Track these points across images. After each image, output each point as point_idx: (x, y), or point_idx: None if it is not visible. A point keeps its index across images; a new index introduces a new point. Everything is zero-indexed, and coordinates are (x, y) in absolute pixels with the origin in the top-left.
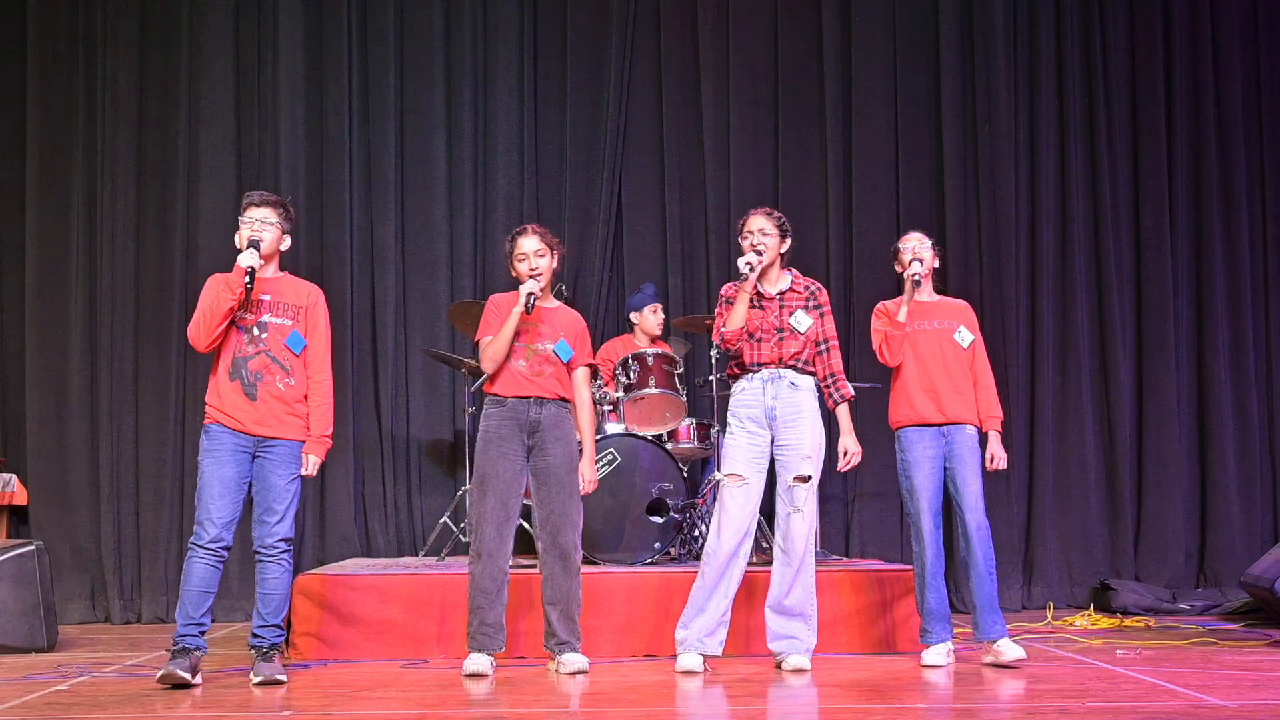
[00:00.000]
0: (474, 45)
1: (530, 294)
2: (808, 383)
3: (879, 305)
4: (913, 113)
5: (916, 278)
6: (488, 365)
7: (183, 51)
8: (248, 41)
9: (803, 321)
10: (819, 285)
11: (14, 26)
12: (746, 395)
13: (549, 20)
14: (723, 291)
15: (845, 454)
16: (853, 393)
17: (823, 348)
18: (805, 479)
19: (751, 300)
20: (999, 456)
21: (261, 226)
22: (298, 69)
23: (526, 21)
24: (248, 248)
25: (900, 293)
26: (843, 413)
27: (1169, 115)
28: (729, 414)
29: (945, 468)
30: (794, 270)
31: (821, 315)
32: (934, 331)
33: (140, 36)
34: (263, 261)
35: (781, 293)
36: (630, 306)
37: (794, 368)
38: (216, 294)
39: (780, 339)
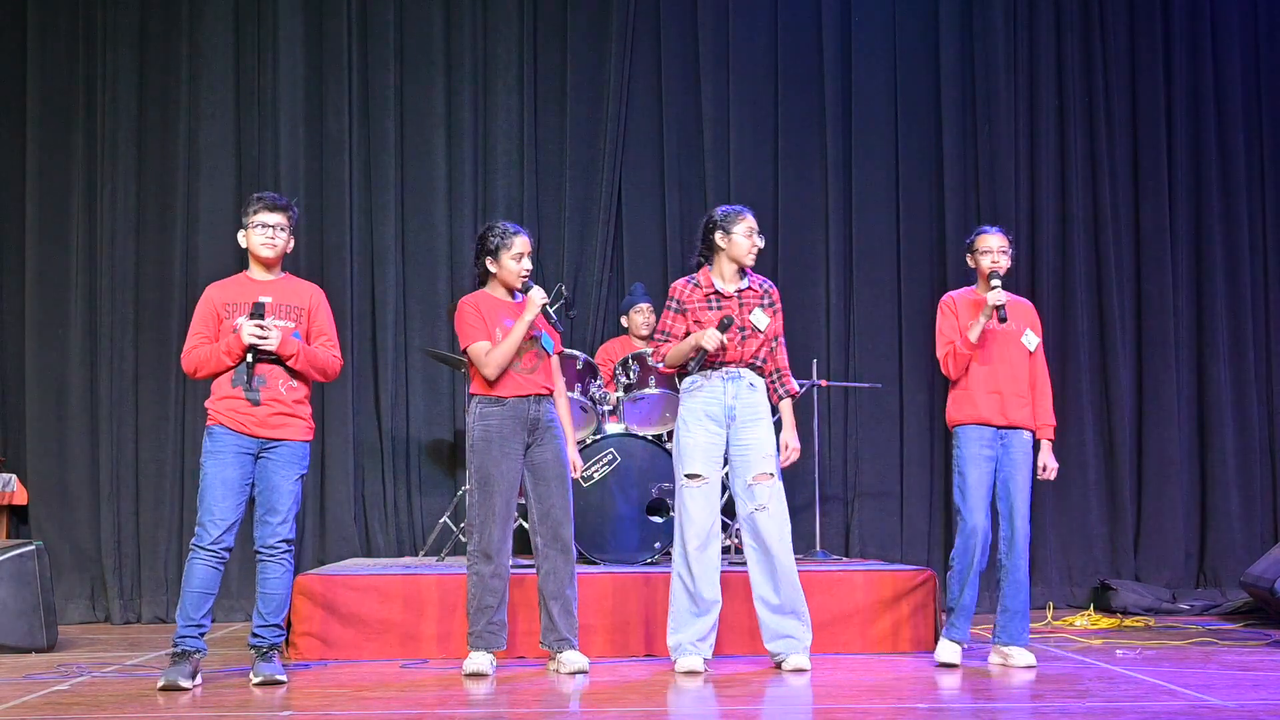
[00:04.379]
0: (474, 45)
1: (545, 304)
2: (761, 383)
3: (946, 299)
4: (913, 113)
5: (1003, 312)
6: (491, 372)
7: (183, 51)
8: (248, 41)
9: (761, 320)
10: (772, 284)
11: (14, 26)
12: (705, 392)
13: (549, 20)
14: (672, 292)
15: (786, 448)
16: (798, 389)
17: (773, 344)
18: (768, 475)
19: (709, 300)
20: (1051, 467)
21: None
22: (298, 69)
23: (526, 21)
24: (249, 334)
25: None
26: (786, 408)
27: (1169, 115)
28: (682, 409)
29: (997, 471)
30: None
31: (775, 313)
32: (1004, 333)
33: (140, 36)
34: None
35: (740, 290)
36: (620, 309)
37: (752, 367)
38: (215, 355)
39: (743, 338)
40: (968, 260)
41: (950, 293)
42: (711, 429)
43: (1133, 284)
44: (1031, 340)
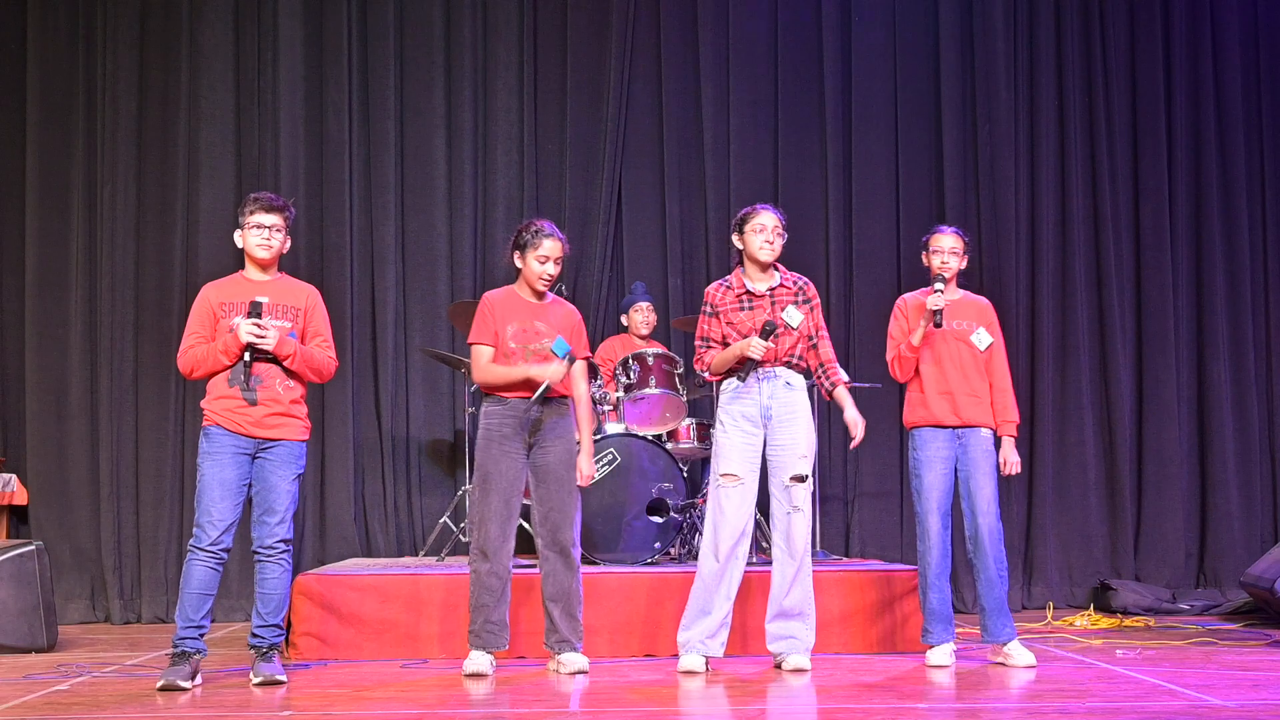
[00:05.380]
0: (474, 45)
1: (550, 381)
2: (801, 382)
3: (900, 302)
4: (913, 113)
5: (938, 317)
6: (478, 379)
7: (183, 51)
8: (248, 41)
9: (794, 317)
10: (806, 280)
11: (14, 26)
12: (741, 393)
13: (549, 20)
14: (707, 296)
15: (854, 425)
16: (845, 378)
17: (814, 340)
18: (802, 479)
19: (740, 301)
20: (1012, 461)
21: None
22: (298, 69)
23: (526, 21)
24: (247, 333)
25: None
26: (841, 393)
27: (1169, 115)
28: (720, 411)
29: (957, 471)
30: (780, 265)
31: (811, 309)
32: (952, 332)
33: (140, 36)
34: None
35: (771, 289)
36: (620, 308)
37: (788, 365)
38: (212, 354)
39: (776, 337)
40: (923, 259)
41: (905, 295)
42: (748, 430)
43: (1133, 284)
44: (983, 339)
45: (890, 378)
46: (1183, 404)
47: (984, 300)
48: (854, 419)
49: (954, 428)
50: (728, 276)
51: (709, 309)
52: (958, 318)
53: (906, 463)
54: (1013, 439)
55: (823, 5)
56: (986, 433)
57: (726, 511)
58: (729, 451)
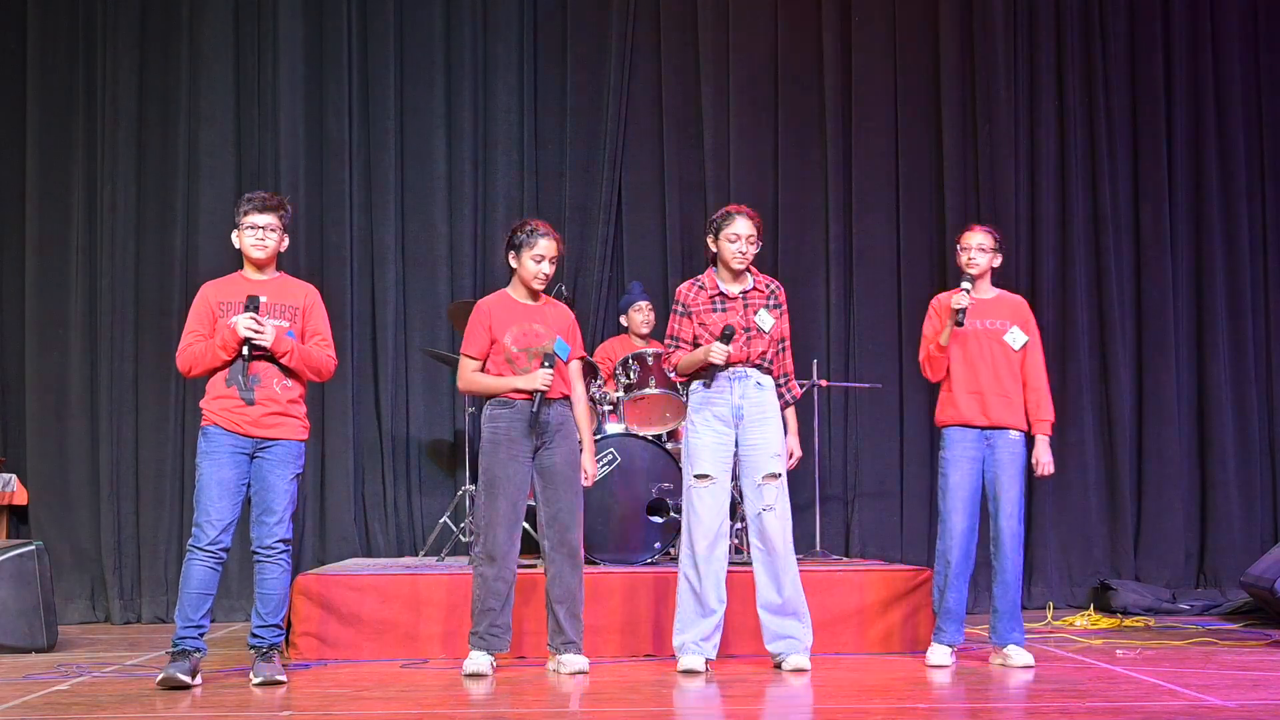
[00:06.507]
0: (474, 45)
1: (541, 387)
2: (770, 382)
3: (934, 301)
4: (913, 113)
5: (960, 316)
6: (464, 389)
7: (183, 51)
8: (248, 41)
9: (766, 321)
10: (778, 284)
11: (14, 26)
12: (712, 393)
13: (549, 20)
14: (678, 295)
15: (790, 456)
16: (800, 393)
17: (780, 347)
18: (775, 476)
19: (714, 302)
20: (1044, 462)
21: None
22: (298, 69)
23: (526, 21)
24: (244, 327)
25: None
26: (790, 414)
27: (1169, 115)
28: (691, 412)
29: (984, 472)
30: (753, 267)
31: (781, 314)
32: (985, 331)
33: (140, 36)
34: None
35: (745, 291)
36: (619, 308)
37: (759, 367)
38: (210, 351)
39: (748, 339)
40: (955, 257)
41: (940, 294)
42: (719, 429)
43: (1133, 284)
44: (1018, 338)
45: (889, 379)
46: (1183, 404)
47: (1019, 299)
48: (794, 449)
49: (982, 428)
50: (700, 276)
51: (680, 308)
52: (991, 316)
53: (926, 462)
54: (1047, 439)
55: (823, 5)
56: (1016, 435)
57: (700, 513)
58: (701, 452)
